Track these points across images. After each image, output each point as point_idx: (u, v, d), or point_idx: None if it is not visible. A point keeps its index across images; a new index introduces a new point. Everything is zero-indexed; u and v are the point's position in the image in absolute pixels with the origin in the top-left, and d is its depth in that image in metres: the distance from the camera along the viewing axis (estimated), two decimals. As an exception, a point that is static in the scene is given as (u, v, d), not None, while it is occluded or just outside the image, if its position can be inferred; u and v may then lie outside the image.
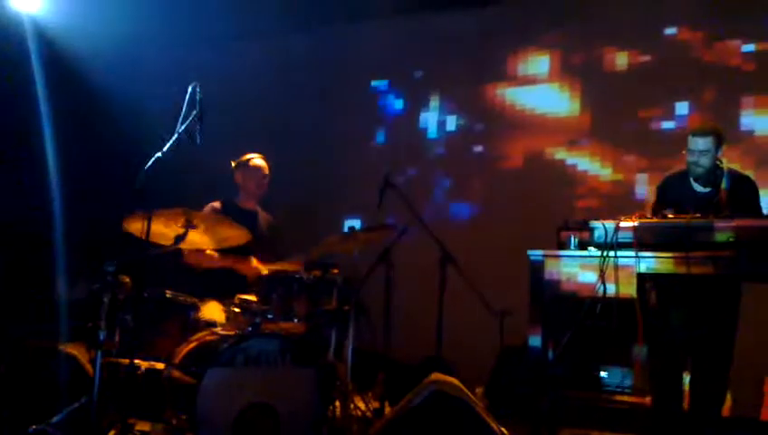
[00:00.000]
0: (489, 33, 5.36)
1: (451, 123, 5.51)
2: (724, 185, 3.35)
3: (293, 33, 5.85)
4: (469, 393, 2.80)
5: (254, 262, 3.68)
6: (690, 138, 3.44)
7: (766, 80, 4.55)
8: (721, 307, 3.35)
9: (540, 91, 5.28)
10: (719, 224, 3.00)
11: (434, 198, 5.54)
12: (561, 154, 5.17)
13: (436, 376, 2.78)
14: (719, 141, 3.42)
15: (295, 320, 3.22)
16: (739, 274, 3.12)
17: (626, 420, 3.60)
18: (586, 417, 3.75)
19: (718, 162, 3.42)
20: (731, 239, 2.96)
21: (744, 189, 3.41)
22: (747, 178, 3.52)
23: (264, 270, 3.48)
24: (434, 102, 5.57)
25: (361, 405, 3.53)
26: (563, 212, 4.77)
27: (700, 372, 3.38)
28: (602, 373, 4.06)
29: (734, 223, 2.99)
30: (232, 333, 3.16)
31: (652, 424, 3.41)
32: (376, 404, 3.57)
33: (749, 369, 4.10)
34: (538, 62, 5.31)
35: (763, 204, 4.39)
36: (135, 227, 3.11)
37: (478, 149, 5.42)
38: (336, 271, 3.34)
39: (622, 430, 3.60)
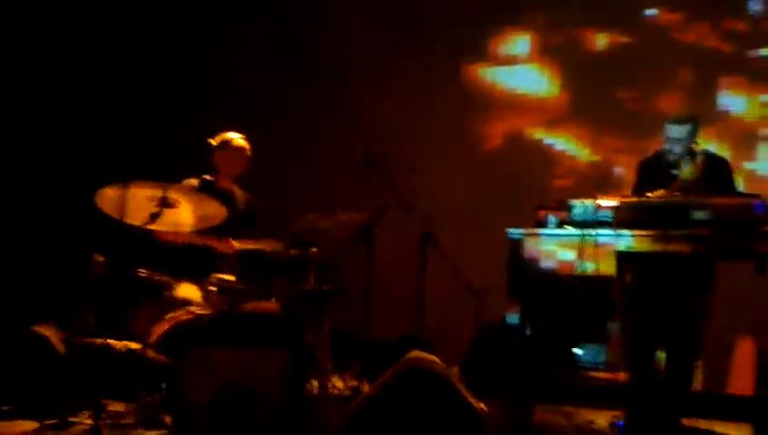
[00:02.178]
0: (469, 12, 5.31)
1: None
2: (688, 164, 3.38)
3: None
4: (448, 371, 2.80)
5: (232, 241, 3.63)
6: (667, 125, 3.47)
7: (742, 61, 4.59)
8: (696, 286, 3.40)
9: (520, 71, 5.27)
10: (697, 203, 3.03)
11: (416, 178, 5.51)
12: (539, 134, 5.19)
13: (414, 354, 2.77)
14: (695, 128, 3.45)
15: (273, 299, 3.19)
16: (715, 252, 3.16)
17: (599, 395, 3.65)
18: (561, 393, 3.80)
19: (694, 144, 3.45)
20: (708, 218, 3.00)
21: (719, 170, 3.45)
22: (722, 158, 3.57)
23: (245, 246, 3.42)
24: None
25: (339, 384, 3.53)
26: (541, 191, 4.83)
27: (674, 350, 3.44)
28: (578, 350, 4.12)
29: (711, 202, 3.02)
30: (208, 312, 3.12)
31: (626, 399, 3.46)
32: (354, 383, 3.57)
33: (717, 345, 4.20)
34: (518, 42, 5.29)
35: (738, 182, 4.48)
36: (107, 201, 3.04)
37: (458, 128, 5.41)
38: (315, 250, 3.31)
39: (595, 406, 3.65)
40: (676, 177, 3.43)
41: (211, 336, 2.95)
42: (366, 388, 3.41)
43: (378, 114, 5.40)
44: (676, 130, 3.41)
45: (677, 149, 3.42)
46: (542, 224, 3.32)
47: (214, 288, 3.26)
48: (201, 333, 2.98)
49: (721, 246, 3.05)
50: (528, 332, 3.43)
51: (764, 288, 2.97)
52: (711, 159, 3.48)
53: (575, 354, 4.13)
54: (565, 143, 5.11)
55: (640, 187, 3.44)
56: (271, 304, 3.19)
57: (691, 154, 3.43)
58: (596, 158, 5.00)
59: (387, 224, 3.69)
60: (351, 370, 3.76)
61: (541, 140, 5.18)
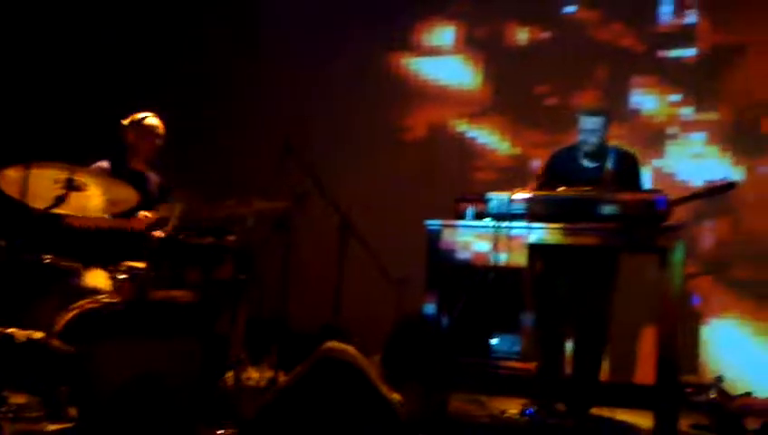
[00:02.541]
0: (395, 2, 5.31)
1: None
2: (609, 161, 3.51)
3: None
4: (364, 360, 2.81)
5: (142, 214, 3.50)
6: (581, 117, 3.59)
7: (654, 61, 4.76)
8: (601, 277, 3.54)
9: (444, 62, 5.31)
10: (606, 198, 3.15)
11: (336, 167, 5.50)
12: (462, 126, 5.25)
13: (330, 344, 2.77)
14: (608, 121, 3.58)
15: (186, 288, 3.11)
16: (622, 245, 3.30)
17: (513, 384, 3.75)
18: (475, 382, 3.88)
19: (604, 139, 3.58)
20: (615, 212, 3.12)
21: (627, 165, 3.60)
22: (631, 154, 3.71)
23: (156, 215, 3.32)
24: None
25: (255, 375, 3.49)
26: (463, 183, 4.90)
27: (581, 339, 3.57)
28: (493, 340, 4.21)
29: (618, 197, 3.14)
30: (117, 300, 3.02)
31: (536, 389, 3.57)
32: (270, 374, 3.53)
33: (623, 336, 4.39)
34: (443, 33, 5.33)
35: (647, 178, 4.68)
36: (8, 183, 2.88)
37: (382, 118, 5.41)
38: (231, 238, 3.24)
39: (509, 394, 3.75)
40: (588, 169, 3.56)
41: (119, 325, 2.87)
42: (282, 378, 3.39)
43: (299, 102, 5.36)
44: (591, 121, 3.54)
45: (592, 139, 3.55)
46: (462, 216, 3.38)
47: (124, 276, 3.16)
48: (109, 321, 2.88)
49: (627, 240, 3.18)
50: (445, 322, 3.48)
51: (667, 280, 3.11)
52: (621, 154, 3.62)
53: (490, 344, 4.23)
54: (487, 136, 5.19)
55: (547, 178, 3.55)
56: (183, 293, 3.11)
57: (603, 148, 3.56)
58: (516, 151, 5.10)
59: (306, 212, 3.67)
60: (268, 360, 3.72)
61: (464, 133, 5.24)
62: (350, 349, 2.74)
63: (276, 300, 3.58)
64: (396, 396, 2.81)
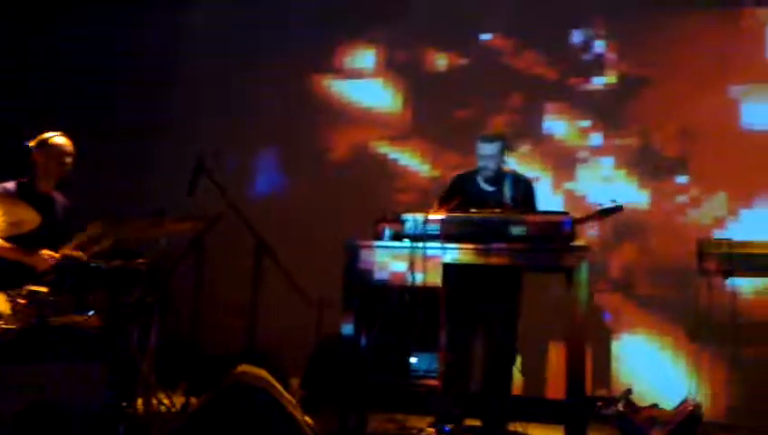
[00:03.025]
0: (317, 24, 5.36)
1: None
2: (506, 185, 3.68)
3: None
4: (276, 384, 2.78)
5: (46, 253, 3.35)
6: (479, 143, 3.74)
7: (565, 89, 4.97)
8: (507, 295, 3.65)
9: (365, 85, 5.38)
10: (515, 219, 3.26)
11: (256, 186, 5.46)
12: (384, 148, 5.32)
13: (241, 368, 2.73)
14: (505, 146, 3.72)
15: (91, 313, 3.01)
16: (531, 265, 3.41)
17: (429, 402, 3.78)
18: (394, 402, 3.90)
19: (503, 164, 3.70)
20: (524, 233, 3.23)
21: (523, 189, 3.75)
22: (526, 179, 3.88)
23: (60, 254, 3.19)
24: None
25: (166, 401, 3.39)
26: (385, 205, 4.94)
27: (491, 355, 3.66)
28: (412, 359, 4.25)
29: (526, 218, 3.26)
30: (14, 326, 2.88)
31: (444, 406, 3.63)
32: (182, 399, 3.44)
33: (535, 352, 4.52)
34: (364, 57, 5.41)
35: (559, 201, 4.88)
36: None
37: (304, 139, 5.42)
38: (141, 260, 3.16)
39: (425, 413, 3.78)
40: (487, 192, 3.68)
41: (18, 351, 2.74)
42: (193, 403, 3.31)
43: (217, 121, 5.32)
44: (488, 148, 3.68)
45: (491, 165, 3.68)
46: (380, 237, 3.42)
47: (23, 301, 3.02)
48: (7, 347, 2.75)
49: (536, 260, 3.30)
50: (363, 342, 3.50)
51: (573, 298, 3.22)
52: (517, 178, 3.78)
53: (409, 363, 4.26)
54: (409, 158, 5.28)
55: (447, 199, 3.64)
56: (88, 318, 3.01)
57: (500, 173, 3.70)
58: (436, 173, 5.19)
59: (221, 234, 3.61)
60: (180, 386, 3.63)
61: (386, 154, 5.31)
62: (262, 373, 2.71)
63: (189, 323, 3.50)
64: (308, 419, 2.79)
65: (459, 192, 3.69)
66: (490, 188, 3.74)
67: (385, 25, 5.32)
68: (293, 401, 2.79)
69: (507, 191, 3.65)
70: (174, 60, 5.56)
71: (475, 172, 3.78)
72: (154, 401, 3.17)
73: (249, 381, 2.61)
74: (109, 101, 5.40)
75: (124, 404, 2.97)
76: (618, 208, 3.60)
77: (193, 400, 3.37)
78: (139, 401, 3.10)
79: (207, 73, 5.48)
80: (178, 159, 3.87)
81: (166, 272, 3.22)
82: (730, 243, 3.89)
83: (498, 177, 3.72)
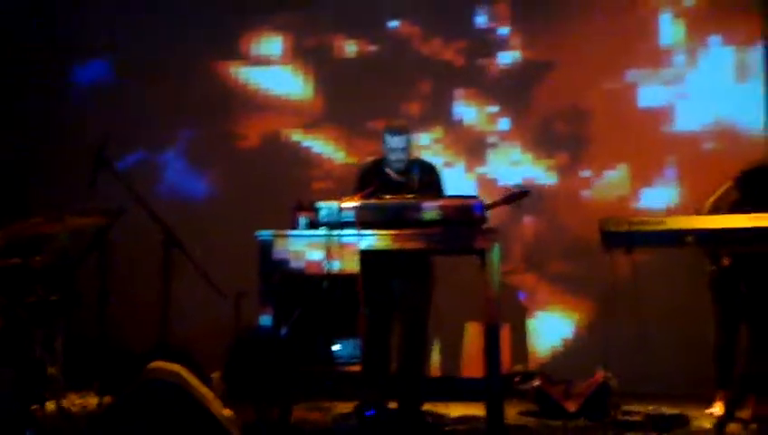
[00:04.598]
0: (222, 10, 5.22)
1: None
2: (414, 172, 3.74)
3: None
4: (192, 379, 2.72)
5: None
6: (387, 137, 3.77)
7: (473, 74, 5.06)
8: (420, 278, 3.73)
9: (274, 72, 5.29)
10: (427, 204, 3.31)
11: (165, 178, 5.30)
12: (297, 136, 5.26)
13: (155, 364, 2.66)
14: (410, 137, 3.79)
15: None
16: (445, 248, 3.48)
17: (353, 387, 3.82)
18: (319, 390, 3.91)
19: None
20: (437, 218, 3.29)
21: (430, 175, 3.81)
22: (432, 165, 3.95)
23: None
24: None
25: (78, 401, 3.26)
26: (300, 193, 4.89)
27: (404, 338, 3.74)
28: (334, 347, 4.26)
29: (439, 203, 3.32)
30: None
31: (364, 389, 3.68)
32: (95, 399, 3.32)
33: (451, 333, 4.63)
34: (271, 44, 5.31)
35: (471, 185, 4.98)
36: None
37: (214, 128, 5.29)
38: (39, 258, 3.00)
39: (350, 399, 3.82)
40: (395, 181, 3.73)
41: None
42: (106, 402, 3.19)
43: (121, 110, 5.12)
44: (398, 141, 3.73)
45: (402, 156, 3.73)
46: (296, 225, 3.39)
47: None
48: None
49: (449, 243, 3.37)
50: (283, 332, 3.47)
51: (486, 279, 3.30)
52: (424, 165, 3.86)
53: (332, 351, 4.27)
54: (322, 146, 5.24)
55: (360, 190, 3.67)
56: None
57: (409, 161, 3.76)
58: (352, 160, 5.18)
59: (128, 228, 3.49)
60: (92, 385, 3.49)
61: (299, 142, 5.26)
62: (177, 368, 2.65)
63: (100, 321, 3.37)
64: (228, 413, 2.75)
65: (368, 182, 3.71)
66: (399, 178, 3.78)
67: (291, 11, 5.23)
68: (211, 396, 2.75)
69: (416, 178, 3.68)
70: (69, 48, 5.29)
71: (380, 162, 3.81)
72: (65, 401, 3.04)
73: (162, 377, 2.54)
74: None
75: (33, 408, 2.82)
76: (524, 193, 3.73)
77: (106, 399, 3.25)
78: (49, 404, 2.96)
79: (107, 63, 5.25)
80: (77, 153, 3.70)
81: (68, 269, 3.07)
82: (630, 220, 4.09)
83: (406, 166, 3.76)
